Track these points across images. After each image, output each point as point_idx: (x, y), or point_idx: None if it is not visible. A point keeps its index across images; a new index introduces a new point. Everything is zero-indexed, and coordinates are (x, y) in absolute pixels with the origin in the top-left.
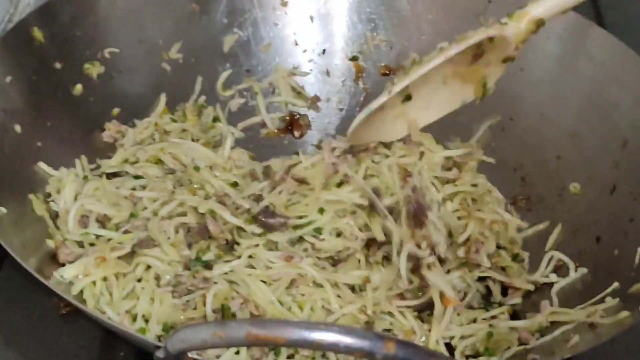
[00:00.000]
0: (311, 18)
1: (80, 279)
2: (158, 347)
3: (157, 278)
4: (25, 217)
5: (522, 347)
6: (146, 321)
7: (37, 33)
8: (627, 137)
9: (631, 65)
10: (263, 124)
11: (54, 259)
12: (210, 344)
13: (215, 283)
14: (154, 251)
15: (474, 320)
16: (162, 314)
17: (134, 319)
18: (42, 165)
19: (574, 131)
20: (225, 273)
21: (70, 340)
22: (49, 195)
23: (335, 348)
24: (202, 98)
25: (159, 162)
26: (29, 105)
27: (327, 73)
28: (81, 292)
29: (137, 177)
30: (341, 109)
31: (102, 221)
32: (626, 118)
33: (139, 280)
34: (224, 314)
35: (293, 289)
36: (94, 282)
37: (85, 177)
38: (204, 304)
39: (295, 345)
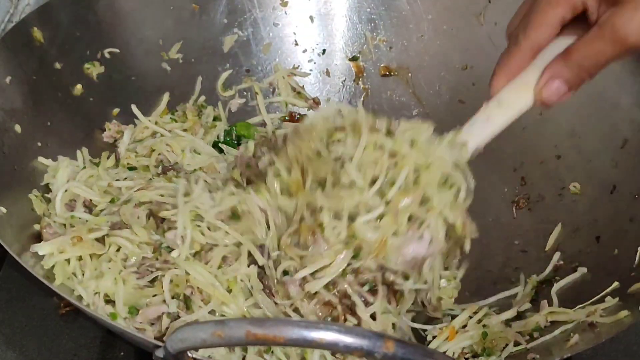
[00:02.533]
0: (311, 18)
1: (54, 256)
2: (157, 347)
3: (126, 260)
4: (25, 217)
5: (522, 347)
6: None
7: (37, 33)
8: (627, 137)
9: (631, 65)
10: (263, 124)
11: None
12: (210, 343)
13: (176, 268)
14: (124, 232)
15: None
16: (126, 294)
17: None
18: (41, 159)
19: (573, 131)
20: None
21: (70, 340)
22: (49, 191)
23: (335, 347)
24: (202, 98)
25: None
26: (28, 106)
27: (327, 73)
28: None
29: (131, 168)
30: None
31: (90, 206)
32: (626, 118)
33: (110, 262)
34: (187, 302)
35: (225, 266)
36: (67, 261)
37: (84, 169)
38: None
39: (294, 344)
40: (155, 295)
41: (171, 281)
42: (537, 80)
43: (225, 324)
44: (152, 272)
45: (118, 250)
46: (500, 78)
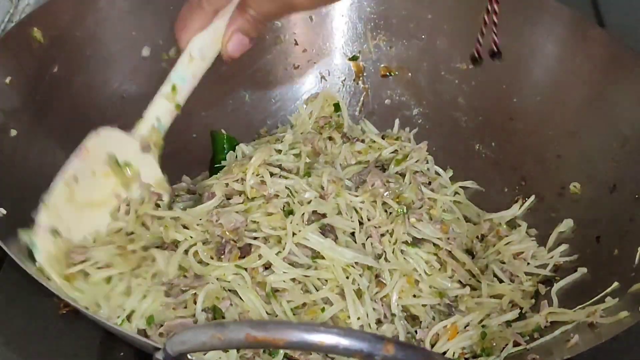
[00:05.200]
0: (311, 18)
1: (103, 270)
2: (157, 349)
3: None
4: (26, 219)
5: (522, 347)
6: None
7: (37, 33)
8: (627, 136)
9: (630, 64)
10: None
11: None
12: (210, 345)
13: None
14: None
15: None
16: (152, 310)
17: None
18: None
19: (573, 130)
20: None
21: (70, 340)
22: None
23: (335, 350)
24: None
25: None
26: (28, 106)
27: (327, 73)
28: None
29: None
30: None
31: None
32: (626, 117)
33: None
34: (215, 315)
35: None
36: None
37: None
38: (195, 302)
39: (294, 347)
40: (185, 308)
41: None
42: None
43: (225, 327)
44: (184, 291)
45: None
46: (186, 33)
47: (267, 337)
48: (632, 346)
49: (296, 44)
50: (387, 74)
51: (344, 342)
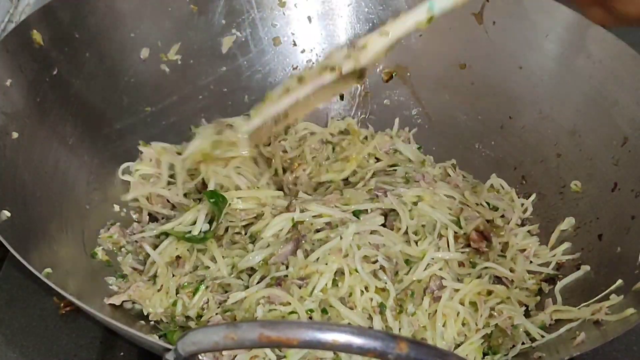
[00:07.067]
0: (309, 18)
1: None
2: (167, 349)
3: None
4: (29, 220)
5: (527, 345)
6: None
7: (37, 35)
8: (627, 135)
9: (630, 63)
10: None
11: (59, 260)
12: (222, 345)
13: None
14: None
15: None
16: None
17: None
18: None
19: (573, 129)
20: None
21: (70, 340)
22: None
23: (348, 349)
24: None
25: None
26: (29, 108)
27: None
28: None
29: None
30: None
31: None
32: (626, 115)
33: None
34: None
35: None
36: None
37: None
38: None
39: (307, 346)
40: None
41: None
42: None
43: (238, 327)
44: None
45: None
46: None
47: (280, 337)
48: (632, 346)
49: (295, 44)
50: (391, 76)
51: (357, 340)
